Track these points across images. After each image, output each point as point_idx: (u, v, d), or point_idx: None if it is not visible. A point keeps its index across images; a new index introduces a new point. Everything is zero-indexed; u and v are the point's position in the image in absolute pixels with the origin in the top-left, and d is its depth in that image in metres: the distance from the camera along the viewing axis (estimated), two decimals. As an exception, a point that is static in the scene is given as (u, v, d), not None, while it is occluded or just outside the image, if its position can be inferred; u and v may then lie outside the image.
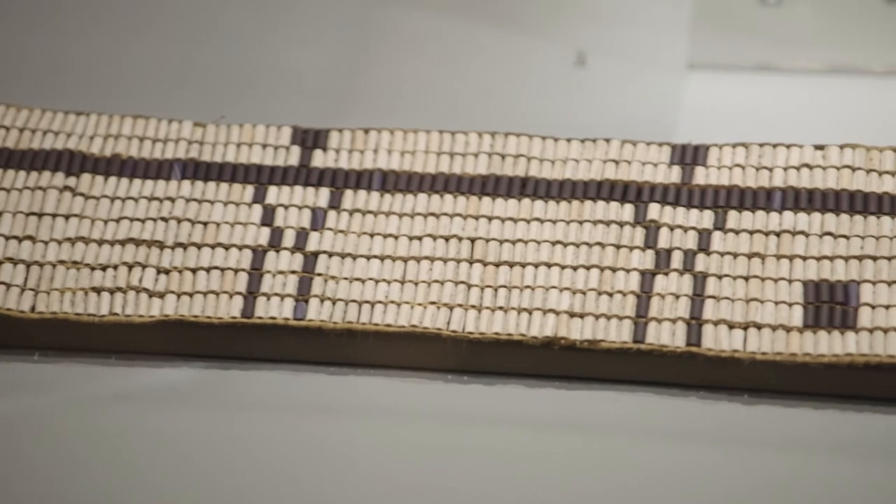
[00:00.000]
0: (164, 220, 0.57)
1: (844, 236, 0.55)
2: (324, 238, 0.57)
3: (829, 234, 0.55)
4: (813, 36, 0.64)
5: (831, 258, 0.55)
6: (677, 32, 0.65)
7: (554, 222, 0.57)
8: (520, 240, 0.56)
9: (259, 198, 0.58)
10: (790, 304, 0.54)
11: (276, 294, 0.56)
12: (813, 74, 0.63)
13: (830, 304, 0.54)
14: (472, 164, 0.58)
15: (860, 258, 0.55)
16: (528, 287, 0.55)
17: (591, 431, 0.53)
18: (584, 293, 0.55)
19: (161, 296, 0.56)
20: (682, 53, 0.64)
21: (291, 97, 0.63)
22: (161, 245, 0.57)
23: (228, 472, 0.53)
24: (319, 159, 0.59)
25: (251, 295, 0.56)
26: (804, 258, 0.55)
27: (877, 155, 0.57)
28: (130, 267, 0.56)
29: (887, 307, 0.53)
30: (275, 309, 0.55)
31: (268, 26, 0.65)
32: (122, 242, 0.57)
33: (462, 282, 0.56)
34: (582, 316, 0.55)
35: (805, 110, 0.62)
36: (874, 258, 0.55)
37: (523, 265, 0.56)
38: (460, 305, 0.55)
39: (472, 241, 0.57)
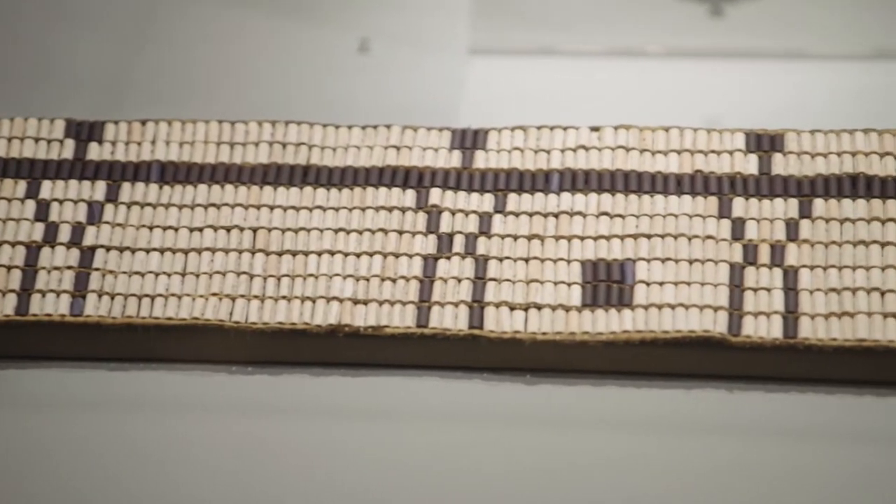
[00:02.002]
0: (-68, 218, 0.56)
1: (620, 216, 0.56)
2: (101, 232, 0.56)
3: (606, 213, 0.56)
4: (590, 19, 0.65)
5: (608, 237, 0.56)
6: (458, 18, 0.65)
7: (336, 210, 0.57)
8: (302, 228, 0.56)
9: (32, 193, 0.57)
10: (569, 284, 0.55)
11: (52, 290, 0.55)
12: (590, 57, 0.64)
13: (607, 283, 0.54)
14: (252, 153, 0.58)
15: (635, 237, 0.55)
16: (311, 275, 0.55)
17: (378, 418, 0.53)
18: (367, 280, 0.55)
19: (-70, 296, 0.54)
20: (462, 38, 0.64)
21: (64, 89, 0.62)
22: (-71, 244, 0.55)
23: (3, 473, 0.52)
24: (95, 152, 0.58)
25: (25, 292, 0.55)
26: (581, 238, 0.56)
27: (650, 135, 0.58)
28: None
29: (661, 284, 0.54)
30: (50, 306, 0.54)
31: (38, 16, 0.64)
32: None
33: (244, 272, 0.55)
34: (366, 302, 0.55)
35: (583, 92, 0.62)
36: (648, 236, 0.55)
37: (306, 254, 0.56)
38: (243, 296, 0.55)
39: (255, 230, 0.56)
